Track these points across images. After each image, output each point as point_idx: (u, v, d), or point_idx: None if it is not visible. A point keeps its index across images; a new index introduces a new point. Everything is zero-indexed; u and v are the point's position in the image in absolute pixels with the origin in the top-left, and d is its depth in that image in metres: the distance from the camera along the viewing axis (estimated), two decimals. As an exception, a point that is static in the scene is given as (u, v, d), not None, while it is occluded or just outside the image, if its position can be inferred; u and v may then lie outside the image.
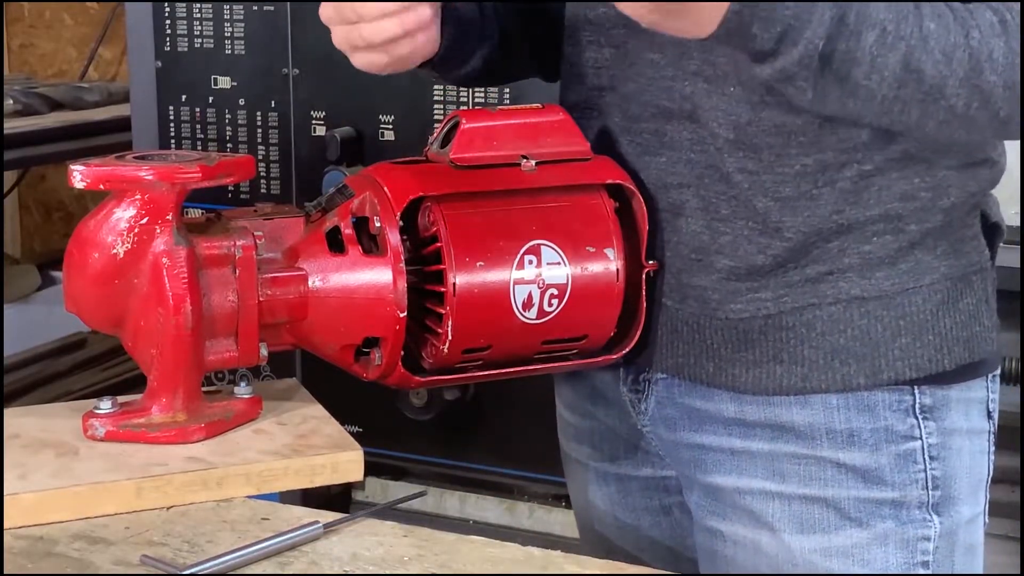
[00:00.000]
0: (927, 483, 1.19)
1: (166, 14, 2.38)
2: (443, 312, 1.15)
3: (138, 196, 1.13)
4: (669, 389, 1.24)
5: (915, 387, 1.18)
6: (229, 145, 2.37)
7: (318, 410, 1.27)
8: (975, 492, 1.23)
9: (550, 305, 1.17)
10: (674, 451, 1.27)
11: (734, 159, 1.16)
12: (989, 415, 1.24)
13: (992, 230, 1.24)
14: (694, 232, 1.19)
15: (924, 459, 1.19)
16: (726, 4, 1.04)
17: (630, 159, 1.21)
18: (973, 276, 1.20)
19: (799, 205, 1.15)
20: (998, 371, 1.25)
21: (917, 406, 1.18)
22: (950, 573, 1.21)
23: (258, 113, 2.36)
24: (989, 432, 1.24)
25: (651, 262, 1.20)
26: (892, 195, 1.16)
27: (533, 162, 1.18)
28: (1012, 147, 1.35)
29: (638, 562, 1.35)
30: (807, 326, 1.17)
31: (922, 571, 1.19)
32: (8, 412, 1.25)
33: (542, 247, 1.16)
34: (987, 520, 1.27)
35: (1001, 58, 1.06)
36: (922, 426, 1.19)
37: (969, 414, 1.22)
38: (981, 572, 1.26)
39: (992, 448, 1.25)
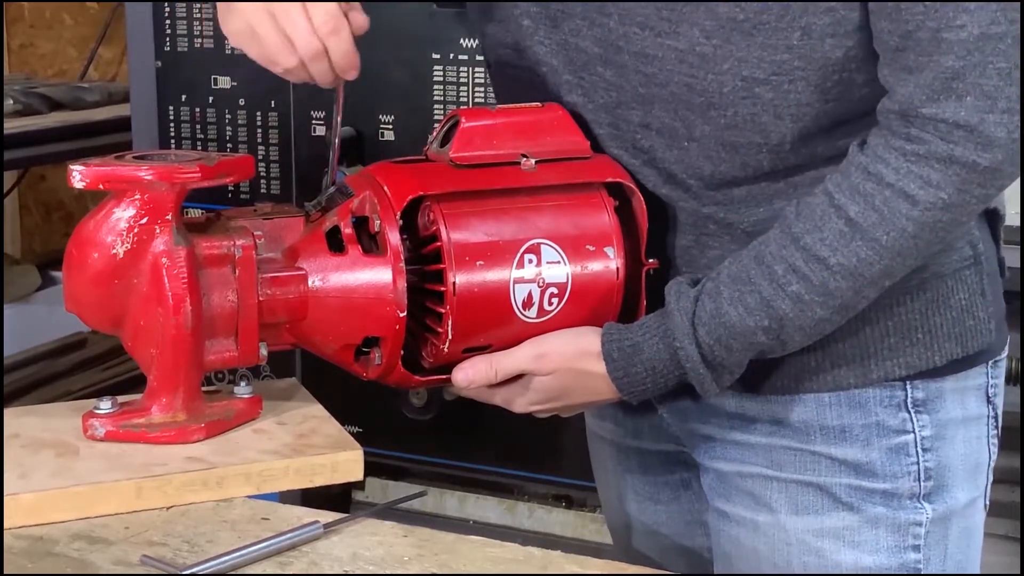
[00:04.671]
0: (919, 475, 1.20)
1: (166, 14, 2.38)
2: (443, 311, 1.14)
3: (138, 196, 1.13)
4: None
5: (907, 382, 1.20)
6: (229, 145, 2.37)
7: (318, 410, 1.27)
8: (972, 477, 1.24)
9: (550, 304, 1.17)
10: (687, 438, 1.30)
11: (706, 202, 1.18)
12: (989, 400, 1.25)
13: (992, 216, 1.24)
14: (684, 246, 1.20)
15: (917, 451, 1.20)
16: (610, 392, 1.18)
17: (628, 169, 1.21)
18: (966, 271, 1.21)
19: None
20: (1003, 355, 1.26)
21: (909, 400, 1.20)
22: (943, 570, 1.23)
23: (258, 113, 2.36)
24: (989, 416, 1.25)
25: (651, 260, 1.20)
26: None
27: (533, 160, 1.18)
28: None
29: (653, 541, 1.38)
30: None
31: (913, 554, 1.21)
32: (8, 412, 1.24)
33: (542, 246, 1.16)
34: (987, 503, 1.28)
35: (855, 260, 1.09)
36: (915, 419, 1.20)
37: (965, 402, 1.23)
38: (979, 553, 1.27)
39: (994, 431, 1.26)
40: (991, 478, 1.27)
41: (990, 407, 1.25)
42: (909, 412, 1.20)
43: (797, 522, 1.22)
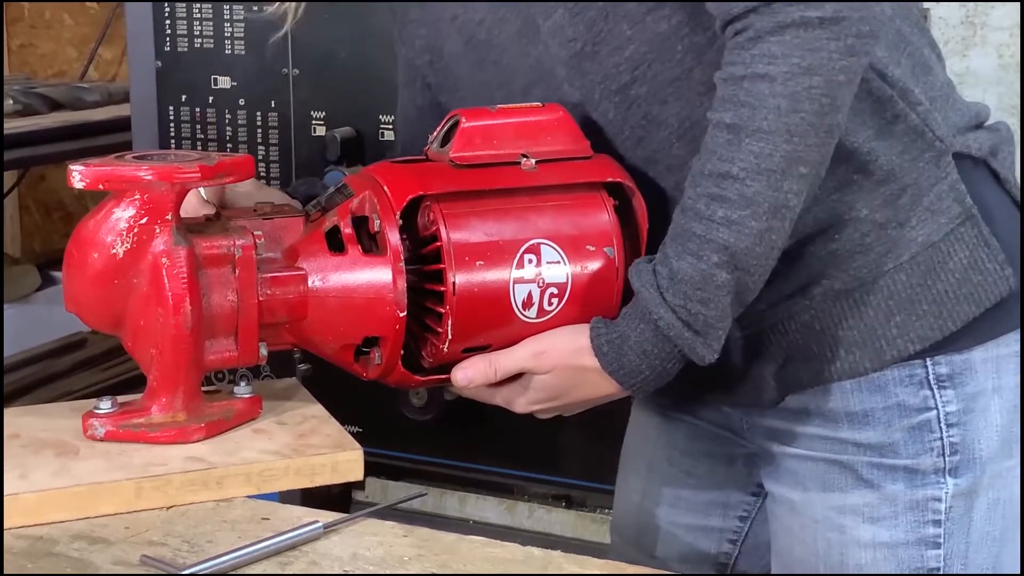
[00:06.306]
0: (943, 450, 1.21)
1: (166, 14, 2.38)
2: (443, 311, 1.14)
3: (137, 196, 1.13)
4: None
5: (927, 359, 1.20)
6: (229, 145, 2.37)
7: (318, 410, 1.27)
8: (1007, 446, 1.23)
9: (550, 304, 1.17)
10: (747, 427, 1.32)
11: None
12: None
13: (982, 162, 1.22)
14: None
15: (940, 427, 1.21)
16: (610, 387, 1.17)
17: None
18: (960, 229, 1.19)
19: None
20: None
21: (931, 377, 1.20)
22: (967, 543, 1.23)
23: (258, 113, 2.36)
24: None
25: (651, 261, 1.20)
26: (828, 194, 1.17)
27: (533, 161, 1.18)
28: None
29: (665, 514, 1.42)
30: (806, 326, 1.20)
31: (932, 528, 1.22)
32: (8, 412, 1.24)
33: (542, 246, 1.16)
34: None
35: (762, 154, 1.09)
36: (938, 396, 1.20)
37: (1000, 371, 1.22)
38: (1017, 523, 1.25)
39: None
40: None
41: None
42: (931, 389, 1.20)
43: (824, 499, 1.25)
